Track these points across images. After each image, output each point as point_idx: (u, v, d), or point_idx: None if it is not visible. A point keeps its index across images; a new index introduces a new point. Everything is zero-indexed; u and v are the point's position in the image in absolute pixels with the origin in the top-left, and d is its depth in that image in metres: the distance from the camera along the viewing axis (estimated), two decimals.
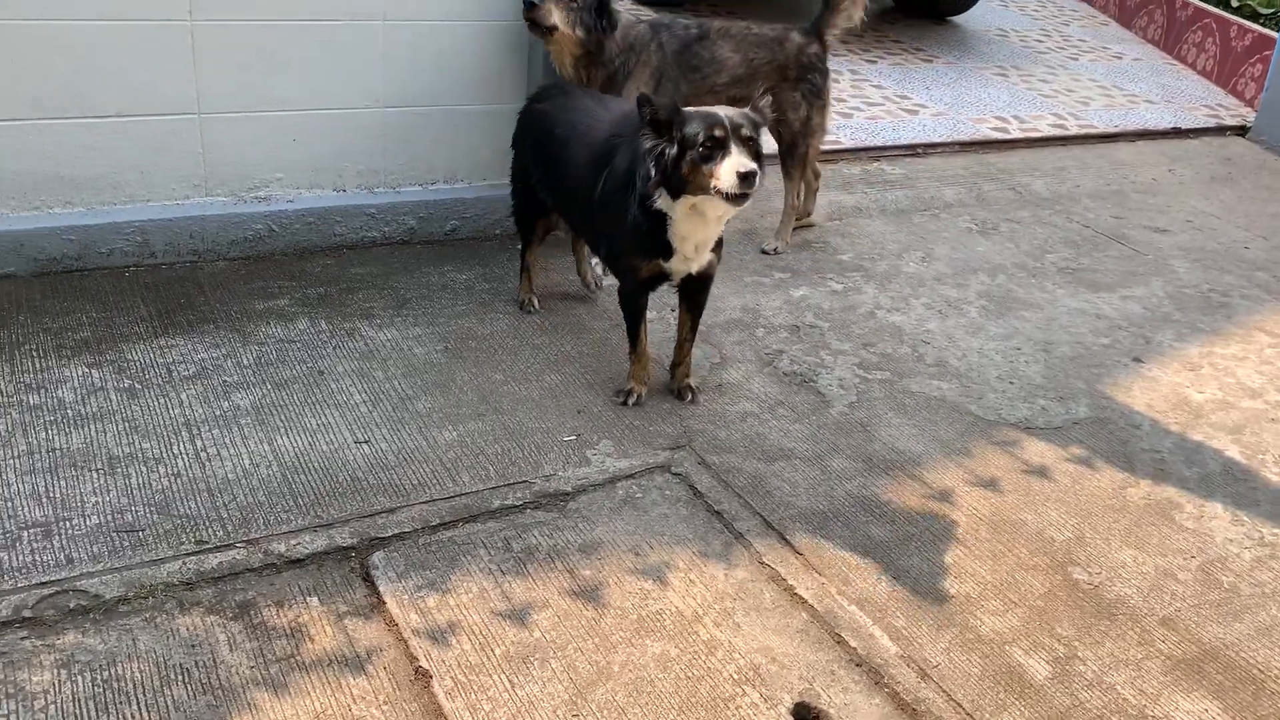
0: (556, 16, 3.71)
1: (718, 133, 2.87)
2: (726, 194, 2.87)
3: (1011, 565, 2.83)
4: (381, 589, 2.51)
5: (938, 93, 6.79)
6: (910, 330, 4.00)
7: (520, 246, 3.83)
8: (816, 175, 4.65)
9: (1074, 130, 6.45)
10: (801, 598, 2.63)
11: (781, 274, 4.34)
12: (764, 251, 4.46)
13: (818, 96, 4.33)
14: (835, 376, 3.64)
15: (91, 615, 2.35)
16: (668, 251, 3.13)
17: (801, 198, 4.57)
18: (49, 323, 3.40)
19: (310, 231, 4.04)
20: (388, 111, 4.07)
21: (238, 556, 2.56)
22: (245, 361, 3.32)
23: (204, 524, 2.65)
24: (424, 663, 2.32)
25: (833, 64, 6.95)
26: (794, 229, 4.68)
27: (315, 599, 2.47)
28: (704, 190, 2.91)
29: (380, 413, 3.15)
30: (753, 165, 2.86)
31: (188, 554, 2.55)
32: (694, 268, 3.22)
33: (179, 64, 3.66)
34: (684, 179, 2.92)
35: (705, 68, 4.05)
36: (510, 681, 2.30)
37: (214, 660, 2.28)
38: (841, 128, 5.94)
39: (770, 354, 3.73)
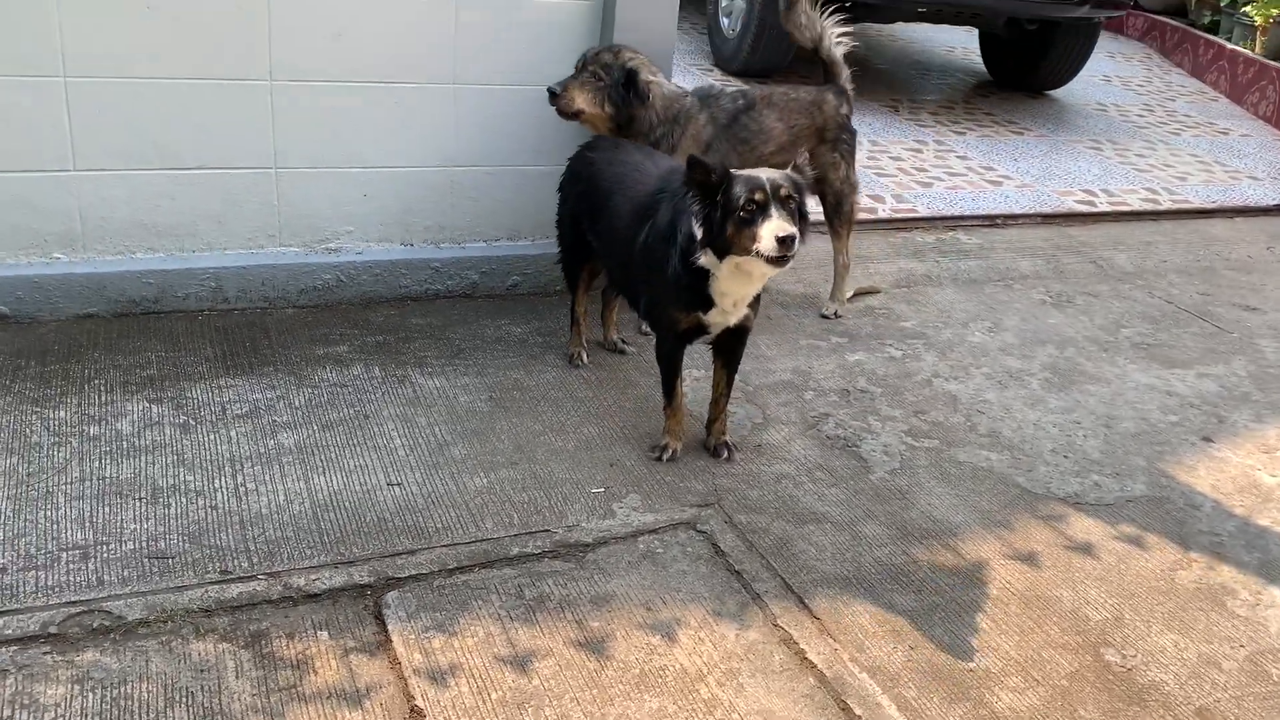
0: (581, 101, 3.79)
1: (758, 196, 2.91)
2: (767, 257, 2.90)
3: (1039, 642, 2.72)
4: (390, 627, 2.55)
5: (1024, 165, 6.69)
6: (966, 400, 3.92)
7: (570, 299, 3.89)
8: (847, 253, 4.56)
9: (1166, 205, 6.27)
10: (811, 662, 2.57)
11: (839, 338, 4.30)
12: (824, 316, 4.45)
13: (853, 154, 4.37)
14: (880, 442, 3.58)
15: (112, 635, 2.45)
16: (708, 305, 3.16)
17: (850, 256, 4.52)
18: (120, 360, 3.59)
19: (376, 283, 4.18)
20: (456, 170, 4.21)
21: (258, 588, 2.64)
22: (297, 403, 3.44)
23: (231, 555, 2.74)
24: (420, 702, 2.35)
25: (919, 135, 6.97)
26: (855, 295, 4.65)
27: (325, 633, 2.52)
28: (746, 252, 2.94)
29: (416, 457, 3.22)
30: (791, 229, 2.88)
31: (211, 582, 2.64)
32: (732, 320, 3.24)
33: (258, 121, 3.87)
34: (729, 240, 2.96)
35: (754, 139, 4.06)
36: None
37: (219, 685, 2.34)
38: (919, 196, 5.90)
39: (815, 417, 3.70)
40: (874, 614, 2.77)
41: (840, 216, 4.41)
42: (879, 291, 4.78)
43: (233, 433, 3.26)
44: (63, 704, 2.26)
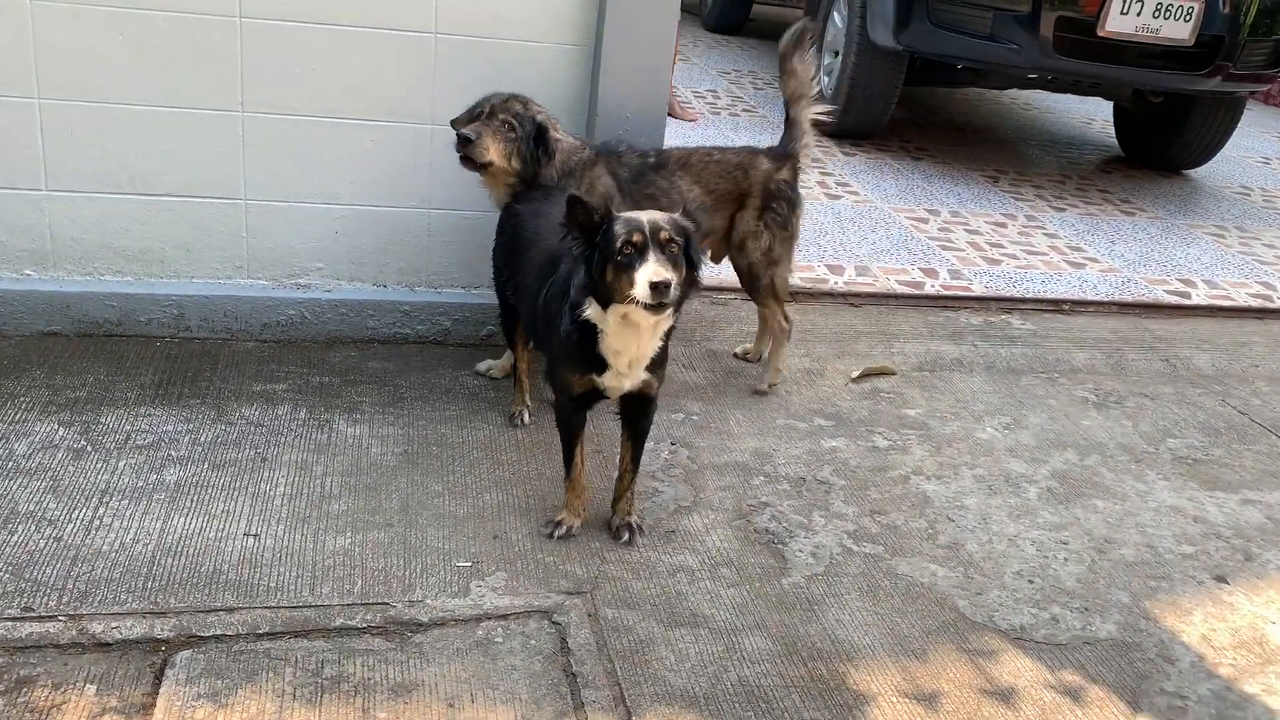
0: (493, 151, 3.49)
1: (636, 238, 2.66)
2: (642, 304, 2.64)
3: None
4: (162, 690, 2.38)
5: (1120, 247, 6.08)
6: (940, 503, 3.47)
7: (512, 356, 3.69)
8: (787, 320, 4.08)
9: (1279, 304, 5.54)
10: None
11: (824, 421, 3.91)
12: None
13: (783, 227, 3.92)
14: (813, 542, 3.19)
15: None
16: (601, 366, 2.90)
17: (789, 322, 4.07)
18: (58, 380, 3.59)
19: (342, 322, 4.08)
20: (433, 213, 4.09)
21: (51, 629, 2.51)
22: (201, 439, 3.35)
23: (45, 591, 2.63)
24: None
25: (1010, 208, 6.45)
26: (863, 375, 4.25)
27: (93, 688, 2.37)
28: (626, 299, 2.69)
29: (290, 508, 3.06)
30: (667, 275, 2.61)
31: (8, 618, 2.53)
32: (627, 384, 2.95)
33: (228, 151, 3.85)
34: (609, 286, 2.72)
35: (662, 198, 3.72)
36: None
37: None
38: (980, 274, 5.42)
39: (752, 506, 3.34)
40: None
41: (758, 290, 3.99)
42: (892, 374, 4.36)
43: (121, 463, 3.18)
44: None
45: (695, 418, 3.83)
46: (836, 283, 5.10)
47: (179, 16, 3.65)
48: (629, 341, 2.83)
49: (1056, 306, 5.20)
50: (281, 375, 3.79)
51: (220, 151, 3.86)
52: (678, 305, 2.77)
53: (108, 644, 2.50)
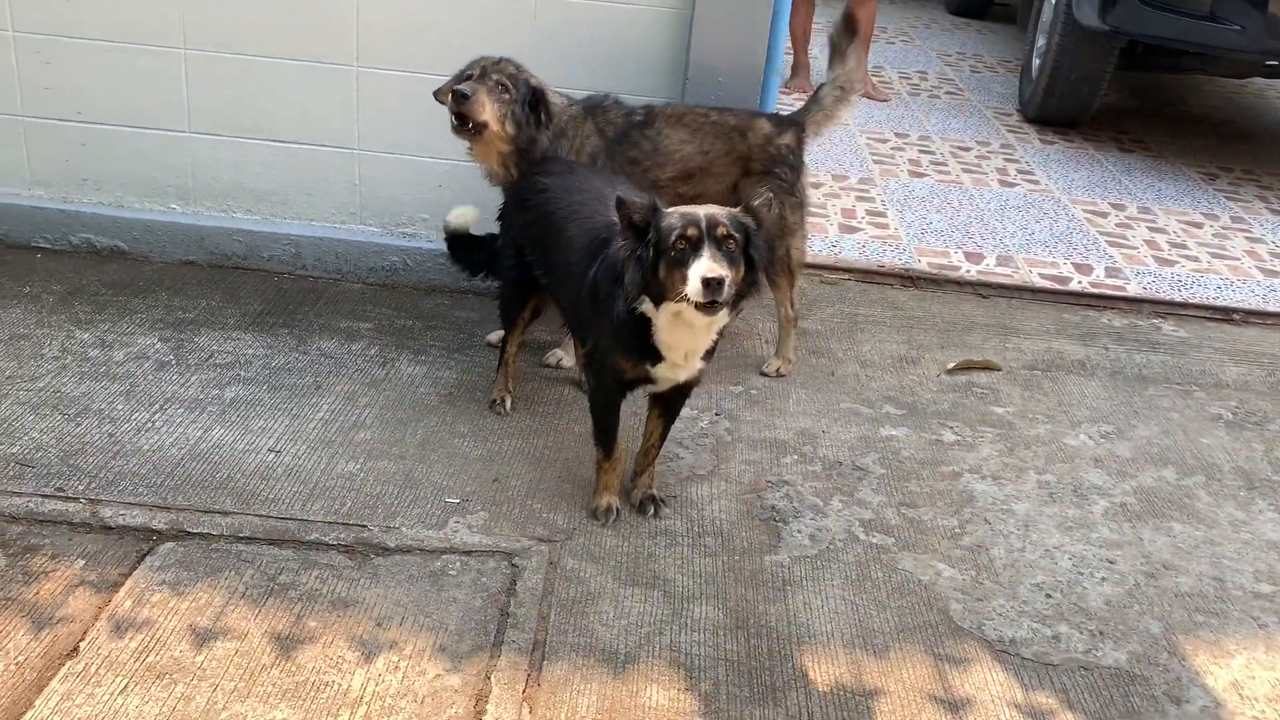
0: (488, 111, 3.27)
1: (690, 232, 2.56)
2: (694, 303, 2.54)
3: None
4: (134, 573, 2.63)
5: None
6: (984, 504, 3.22)
7: (503, 336, 3.52)
8: (793, 306, 3.84)
9: None
10: None
11: (895, 409, 3.72)
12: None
13: (790, 193, 3.67)
14: (817, 525, 3.05)
15: None
16: (655, 357, 2.81)
17: (796, 307, 3.85)
18: (176, 302, 4.00)
19: (441, 271, 4.28)
20: None
21: (70, 509, 2.83)
22: (273, 364, 3.63)
23: (80, 477, 2.96)
24: (83, 643, 2.39)
25: (1215, 208, 5.80)
26: (959, 368, 4.00)
27: (82, 562, 2.65)
28: (680, 297, 2.58)
29: (320, 432, 3.27)
30: (722, 271, 2.50)
31: (39, 495, 2.87)
32: (682, 376, 2.88)
33: (345, 104, 4.12)
34: (661, 284, 2.62)
35: (646, 159, 3.56)
36: (119, 690, 2.29)
37: None
38: (1143, 274, 4.92)
39: (771, 483, 3.23)
40: (604, 700, 2.38)
41: (774, 263, 3.73)
42: (996, 369, 4.06)
43: (193, 378, 3.51)
44: None
45: (754, 392, 3.74)
46: (968, 270, 4.79)
47: None
48: (682, 338, 2.74)
49: (1225, 315, 4.64)
50: (370, 315, 4.03)
51: (337, 103, 4.14)
52: (734, 305, 2.65)
53: (110, 528, 2.78)
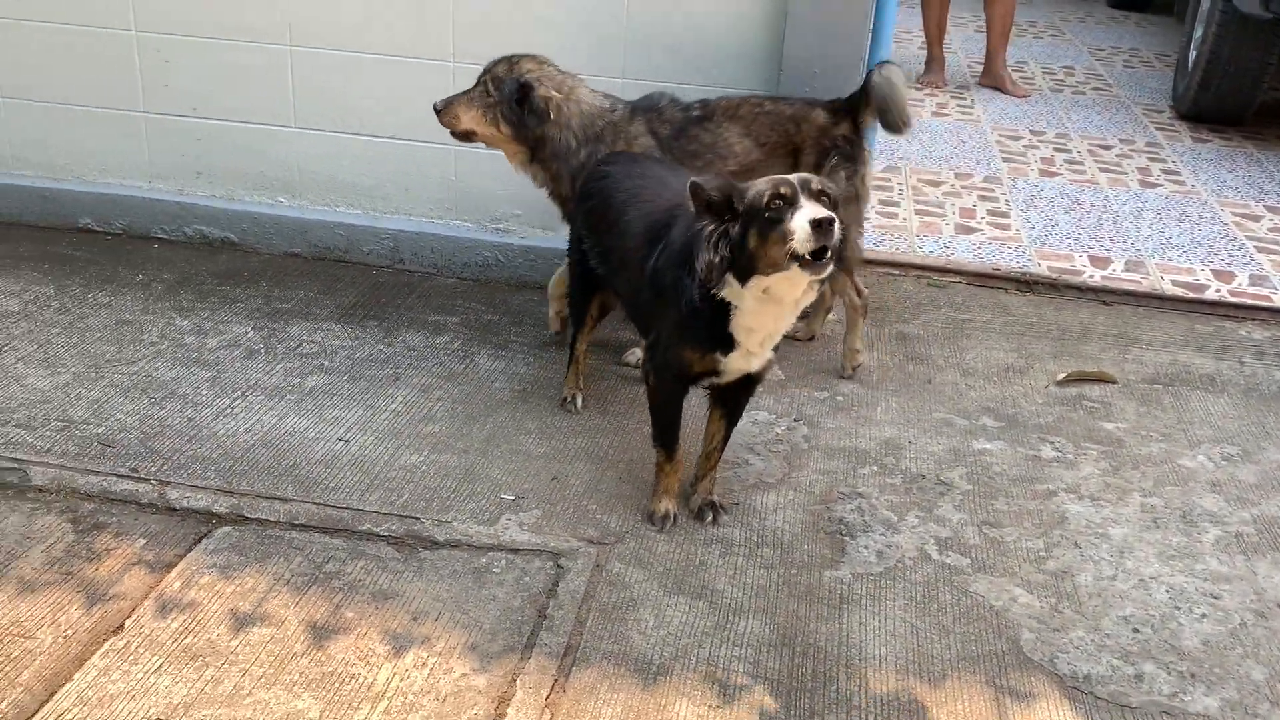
0: (468, 119, 3.34)
1: (784, 190, 2.44)
2: (802, 256, 2.40)
3: None
4: (189, 555, 2.68)
5: None
6: (1077, 526, 2.98)
7: (572, 333, 3.44)
8: (860, 294, 3.66)
9: None
10: None
11: (993, 421, 3.49)
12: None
13: (850, 181, 3.44)
14: (887, 542, 2.88)
15: (10, 489, 2.88)
16: (728, 345, 2.69)
17: (863, 294, 3.67)
18: (275, 292, 4.11)
19: (531, 268, 4.27)
20: None
21: (140, 490, 2.92)
22: (357, 355, 3.67)
23: (154, 459, 3.05)
24: (129, 622, 2.45)
25: None
26: (1069, 379, 3.73)
27: (142, 541, 2.72)
28: (777, 265, 2.46)
29: (390, 423, 3.28)
30: (828, 212, 2.39)
31: (114, 474, 2.97)
32: (755, 365, 2.77)
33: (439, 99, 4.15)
34: (752, 255, 2.48)
35: (706, 153, 3.41)
36: (153, 669, 2.32)
37: (21, 550, 2.65)
38: None
39: (843, 494, 3.07)
40: (629, 711, 2.28)
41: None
42: (1111, 382, 3.77)
43: (278, 366, 3.58)
44: None
45: (840, 398, 3.58)
46: (1092, 276, 4.48)
47: None
48: (766, 319, 2.62)
49: None
50: (459, 309, 4.04)
51: (433, 99, 4.16)
52: (838, 261, 2.52)
53: (174, 509, 2.85)
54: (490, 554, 2.74)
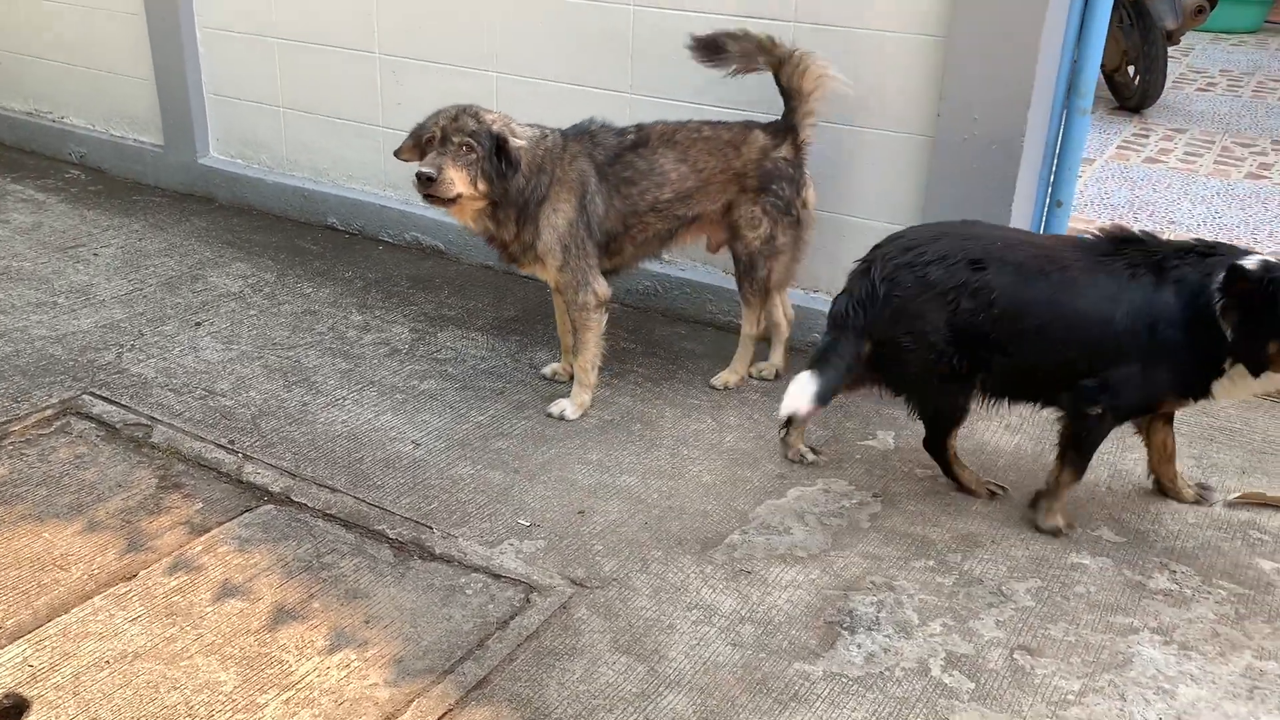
0: (460, 182, 3.13)
1: None
2: None
3: None
4: (224, 524, 2.97)
5: None
6: (1137, 675, 2.49)
7: (943, 464, 3.16)
8: (788, 320, 3.80)
9: None
10: None
11: (1112, 533, 3.00)
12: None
13: (785, 212, 3.37)
14: (888, 645, 2.57)
15: (132, 443, 3.34)
16: (1203, 394, 2.85)
17: (761, 325, 3.70)
18: (450, 299, 4.40)
19: (685, 301, 4.24)
20: None
21: (224, 459, 3.26)
22: (480, 366, 3.85)
23: (254, 436, 3.39)
24: (143, 571, 2.76)
25: None
26: (1246, 499, 3.13)
27: (199, 506, 3.05)
28: None
29: (467, 433, 3.41)
30: None
31: (214, 443, 3.34)
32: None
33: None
34: (1268, 359, 2.67)
35: (642, 180, 3.35)
36: (132, 618, 2.61)
37: (112, 490, 3.06)
38: None
39: (874, 585, 2.78)
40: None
41: (754, 283, 3.56)
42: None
43: (407, 367, 3.84)
44: (76, 460, 3.24)
45: (944, 481, 3.23)
46: None
47: (589, 4, 4.13)
48: (1240, 389, 2.82)
49: None
50: (605, 334, 4.09)
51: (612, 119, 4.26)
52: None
53: (241, 482, 3.16)
54: (472, 575, 2.78)
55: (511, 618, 2.63)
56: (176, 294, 4.38)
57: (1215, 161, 5.82)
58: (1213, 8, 6.15)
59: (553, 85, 4.33)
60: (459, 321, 4.19)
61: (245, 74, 5.18)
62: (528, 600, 2.69)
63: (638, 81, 4.14)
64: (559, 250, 3.37)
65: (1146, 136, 6.23)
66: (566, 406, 3.52)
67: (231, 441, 3.36)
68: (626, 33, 4.09)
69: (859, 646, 2.56)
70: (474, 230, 3.40)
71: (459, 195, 3.16)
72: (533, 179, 3.29)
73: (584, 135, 3.46)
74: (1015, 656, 2.54)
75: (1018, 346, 2.84)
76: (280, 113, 5.16)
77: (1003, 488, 3.18)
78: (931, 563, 2.86)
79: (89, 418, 3.46)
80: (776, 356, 3.85)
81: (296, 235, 5.03)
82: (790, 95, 3.46)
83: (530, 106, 4.39)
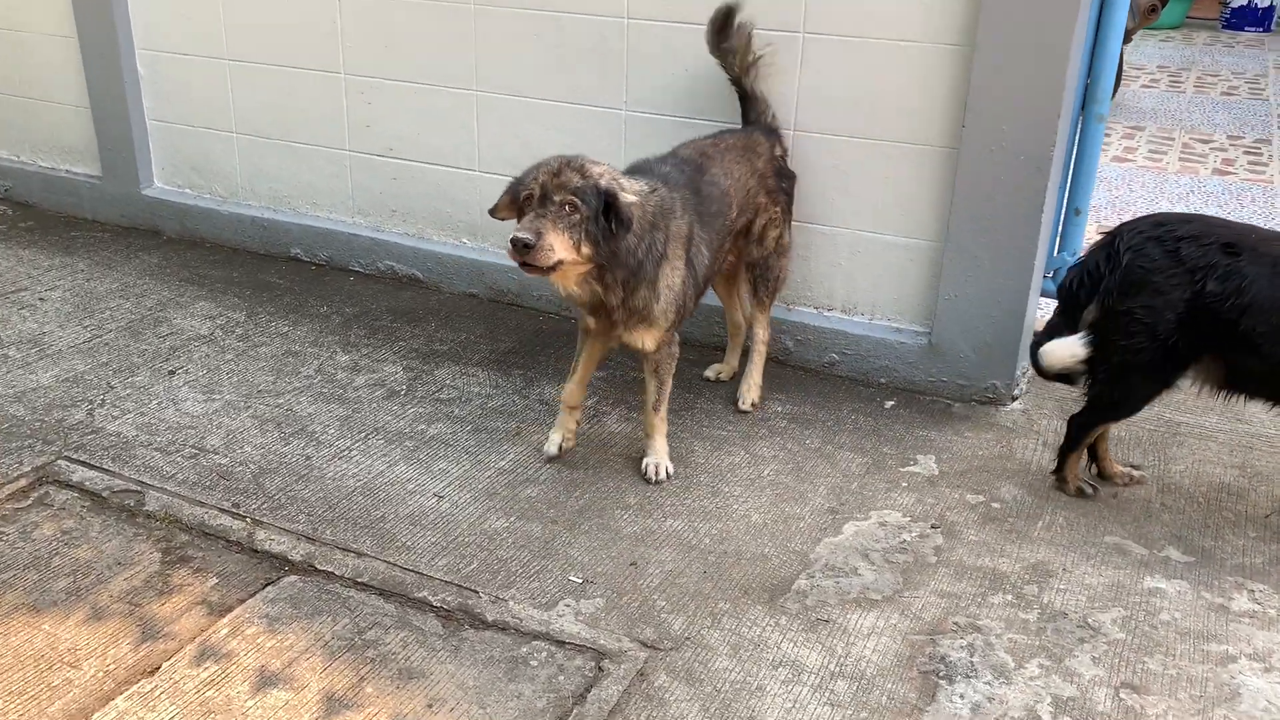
0: (560, 248, 2.71)
1: None
2: None
3: None
4: (247, 601, 2.69)
5: None
6: (1249, 707, 2.40)
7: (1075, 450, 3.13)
8: (748, 322, 3.69)
9: None
10: None
11: (1180, 553, 2.92)
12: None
13: (788, 210, 3.53)
14: (991, 694, 2.43)
15: (123, 511, 3.03)
16: None
17: (767, 332, 3.65)
18: (440, 333, 4.14)
19: (702, 332, 4.06)
20: (840, 232, 3.81)
21: (233, 527, 2.98)
22: (489, 405, 3.62)
23: (258, 497, 3.11)
24: (164, 665, 2.48)
25: None
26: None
27: (214, 582, 2.77)
28: None
29: (491, 482, 3.19)
30: None
31: (216, 508, 3.05)
32: None
33: (613, 145, 4.04)
34: None
35: (717, 205, 3.18)
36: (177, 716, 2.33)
37: (113, 573, 2.76)
38: None
39: (958, 626, 2.64)
40: None
41: (768, 286, 3.54)
42: None
43: (409, 410, 3.59)
44: (67, 535, 2.91)
45: (996, 506, 3.12)
46: None
47: (581, 18, 3.92)
48: None
49: None
50: (610, 364, 3.89)
51: (609, 146, 4.06)
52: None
53: (256, 551, 2.88)
54: (534, 643, 2.56)
55: (587, 690, 2.42)
56: (141, 339, 4.04)
57: (1180, 159, 5.87)
58: (1163, 6, 6.21)
59: (537, 103, 4.11)
60: (454, 357, 3.95)
61: (193, 99, 4.84)
62: (600, 669, 2.48)
63: (633, 98, 3.95)
64: (673, 312, 3.03)
65: (1109, 135, 6.26)
66: (662, 463, 3.20)
67: (236, 505, 3.07)
68: (620, 46, 3.90)
69: (961, 697, 2.41)
70: (578, 298, 2.96)
71: (559, 262, 2.75)
72: (645, 237, 2.88)
73: (669, 179, 3.07)
74: (1122, 696, 2.42)
75: (1269, 342, 2.71)
76: (234, 139, 4.83)
77: (1095, 488, 3.16)
78: (1010, 597, 2.73)
79: (69, 486, 3.14)
80: (734, 358, 3.80)
81: (259, 269, 4.71)
82: (751, 101, 3.53)
83: (521, 129, 4.18)
